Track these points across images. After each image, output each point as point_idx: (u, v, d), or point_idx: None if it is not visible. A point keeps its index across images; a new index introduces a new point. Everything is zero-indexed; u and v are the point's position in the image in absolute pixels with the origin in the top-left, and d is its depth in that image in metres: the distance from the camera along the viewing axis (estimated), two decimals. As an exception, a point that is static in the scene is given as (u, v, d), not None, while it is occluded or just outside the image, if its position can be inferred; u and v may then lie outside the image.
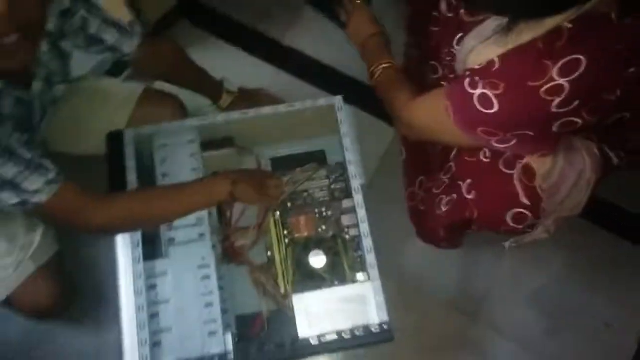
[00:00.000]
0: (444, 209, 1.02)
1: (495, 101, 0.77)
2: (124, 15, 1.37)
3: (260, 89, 1.43)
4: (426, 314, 1.19)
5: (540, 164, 0.90)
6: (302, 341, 0.94)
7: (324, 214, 1.17)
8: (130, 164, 1.01)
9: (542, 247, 1.15)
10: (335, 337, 0.93)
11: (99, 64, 1.32)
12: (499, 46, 0.76)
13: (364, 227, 1.00)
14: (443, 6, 1.02)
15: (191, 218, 1.02)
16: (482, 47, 0.81)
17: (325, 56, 1.56)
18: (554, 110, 0.73)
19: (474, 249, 1.24)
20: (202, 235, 1.01)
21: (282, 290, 1.09)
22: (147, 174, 1.04)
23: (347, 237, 1.14)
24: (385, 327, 0.93)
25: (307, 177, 1.17)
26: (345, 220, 1.14)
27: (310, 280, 1.08)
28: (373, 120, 1.42)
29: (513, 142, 0.83)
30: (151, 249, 1.00)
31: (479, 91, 0.78)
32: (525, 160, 0.91)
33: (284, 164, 1.21)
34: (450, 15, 0.99)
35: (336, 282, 1.10)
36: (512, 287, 1.25)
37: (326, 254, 1.09)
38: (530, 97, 0.73)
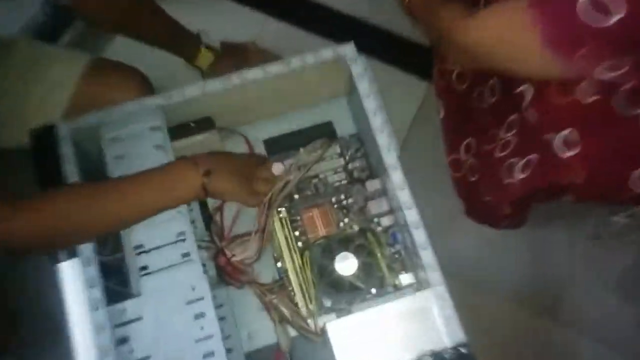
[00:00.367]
0: (520, 175, 0.74)
1: (614, 5, 0.50)
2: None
3: (248, 42, 1.13)
4: (489, 317, 0.92)
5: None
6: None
7: (344, 202, 0.89)
8: (69, 168, 0.72)
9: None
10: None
11: (29, 20, 0.99)
12: None
13: (412, 216, 0.72)
14: None
15: (168, 233, 0.73)
16: None
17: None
18: None
19: (540, 229, 0.97)
20: (186, 255, 0.73)
21: (304, 311, 0.81)
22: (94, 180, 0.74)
23: (378, 229, 0.87)
24: (464, 350, 0.66)
25: (316, 159, 0.89)
26: (373, 207, 0.86)
27: (339, 292, 0.81)
28: (396, 75, 1.12)
29: (626, 69, 0.56)
30: (117, 285, 0.71)
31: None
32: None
33: (281, 146, 0.92)
34: None
35: (373, 291, 0.83)
36: (592, 274, 0.98)
37: (355, 255, 0.81)
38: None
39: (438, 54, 0.94)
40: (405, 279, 0.84)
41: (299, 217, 0.88)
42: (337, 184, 0.90)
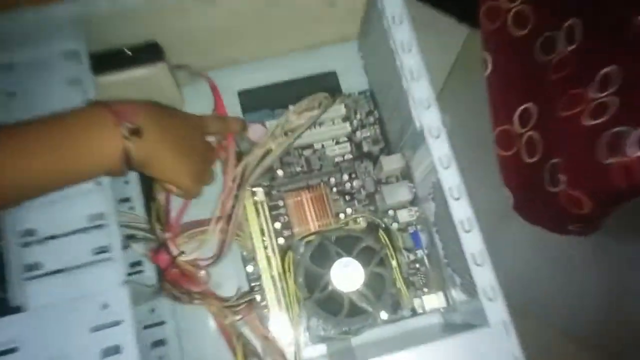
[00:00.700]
0: (633, 152, 0.49)
1: None
2: None
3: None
4: (540, 356, 0.66)
5: None
6: None
7: (347, 185, 0.63)
8: None
9: None
10: None
11: None
12: None
13: (461, 210, 0.46)
14: None
15: (76, 215, 0.47)
16: None
17: None
18: None
19: (620, 243, 0.69)
20: (102, 250, 0.46)
21: (283, 341, 0.56)
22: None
23: (394, 225, 0.61)
24: None
25: (310, 121, 0.62)
26: (389, 194, 0.61)
27: (334, 314, 0.55)
28: (426, 14, 0.84)
29: None
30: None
31: None
32: None
33: (263, 100, 0.66)
34: None
35: (383, 316, 0.57)
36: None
37: (361, 262, 0.55)
38: None
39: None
40: (431, 300, 0.58)
41: (282, 203, 0.62)
42: (339, 159, 0.64)
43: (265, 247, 0.60)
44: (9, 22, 0.49)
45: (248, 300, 0.56)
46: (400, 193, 0.60)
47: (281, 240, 0.60)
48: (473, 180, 0.48)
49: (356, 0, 0.59)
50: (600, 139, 0.51)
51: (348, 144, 0.64)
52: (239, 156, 0.60)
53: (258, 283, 0.59)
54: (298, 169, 0.63)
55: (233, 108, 0.65)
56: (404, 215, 0.61)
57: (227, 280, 0.58)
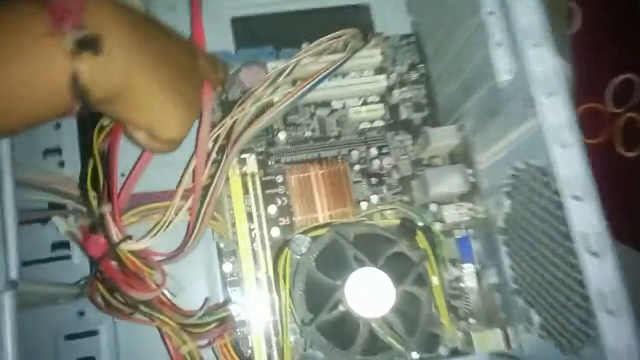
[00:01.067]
0: None
1: None
2: None
3: None
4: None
5: None
6: None
7: (375, 163, 0.45)
8: None
9: None
10: None
11: None
12: None
13: (590, 220, 0.28)
14: None
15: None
16: None
17: None
18: None
19: None
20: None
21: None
22: None
23: (436, 226, 0.43)
24: None
25: (330, 67, 0.43)
26: (436, 182, 0.42)
27: (345, 347, 0.37)
28: None
29: None
30: None
31: None
32: None
33: (265, 33, 0.47)
34: None
35: (414, 355, 0.40)
36: None
37: (390, 275, 0.37)
38: None
39: None
40: (484, 340, 0.40)
41: (281, 179, 0.43)
42: (366, 125, 0.46)
43: (253, 239, 0.41)
44: None
45: (220, 317, 0.38)
46: (452, 181, 0.42)
47: (276, 232, 0.42)
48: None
49: None
50: None
51: (380, 106, 0.46)
52: (226, 107, 0.41)
53: (236, 289, 0.41)
54: (307, 133, 0.45)
55: (222, 41, 0.46)
56: (452, 214, 0.43)
57: (191, 283, 0.40)
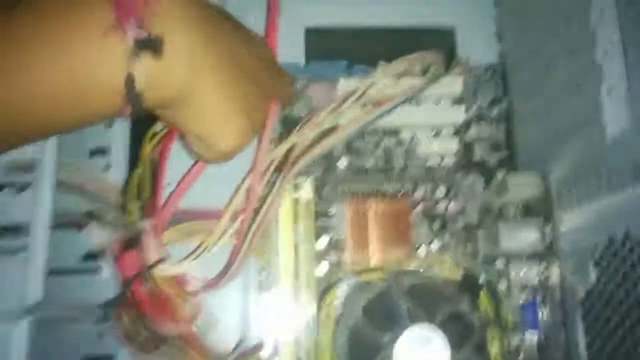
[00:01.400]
0: None
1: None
2: None
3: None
4: None
5: None
6: None
7: (441, 206, 0.40)
8: None
9: None
10: None
11: None
12: None
13: None
14: None
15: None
16: None
17: None
18: None
19: None
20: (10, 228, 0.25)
21: None
22: None
23: (504, 284, 0.38)
24: None
25: (408, 93, 0.39)
26: (508, 234, 0.38)
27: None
28: None
29: None
30: None
31: None
32: None
33: (341, 49, 0.43)
34: None
35: None
36: None
37: (450, 338, 0.33)
38: None
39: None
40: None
41: (335, 210, 0.40)
42: (435, 161, 0.41)
43: (297, 273, 0.38)
44: None
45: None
46: (526, 237, 0.37)
47: (323, 268, 0.38)
48: None
49: None
50: None
51: (454, 142, 0.41)
52: (289, 124, 0.38)
53: (273, 328, 0.37)
54: (370, 163, 0.41)
55: (292, 52, 0.43)
56: (521, 274, 0.38)
57: (223, 318, 0.36)
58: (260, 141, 0.34)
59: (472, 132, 0.42)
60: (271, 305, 0.37)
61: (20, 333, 0.23)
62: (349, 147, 0.41)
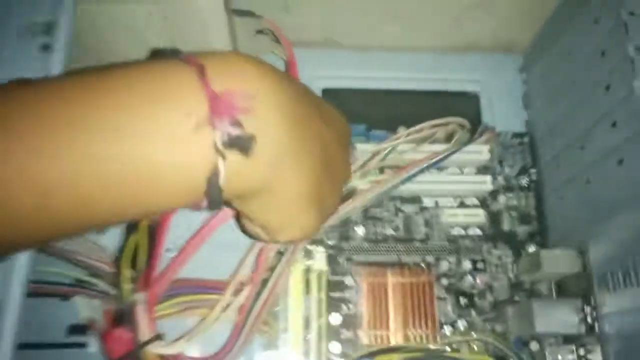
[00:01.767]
0: None
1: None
2: None
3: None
4: None
5: None
6: None
7: (467, 280, 0.37)
8: None
9: None
10: None
11: None
12: None
13: None
14: None
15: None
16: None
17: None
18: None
19: None
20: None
21: None
22: None
23: (537, 374, 0.34)
24: None
25: (430, 159, 0.37)
26: (542, 315, 0.34)
27: None
28: None
29: None
30: None
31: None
32: None
33: (359, 112, 0.41)
34: None
35: None
36: None
37: None
38: None
39: None
40: None
41: (350, 281, 0.36)
42: (460, 231, 0.38)
43: (307, 352, 0.34)
44: None
45: None
46: (564, 319, 0.34)
47: (336, 347, 0.34)
48: None
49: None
50: None
51: (480, 212, 0.38)
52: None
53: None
54: (389, 231, 0.38)
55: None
56: (561, 358, 0.34)
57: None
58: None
59: (500, 202, 0.39)
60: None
61: None
62: (367, 214, 0.38)
